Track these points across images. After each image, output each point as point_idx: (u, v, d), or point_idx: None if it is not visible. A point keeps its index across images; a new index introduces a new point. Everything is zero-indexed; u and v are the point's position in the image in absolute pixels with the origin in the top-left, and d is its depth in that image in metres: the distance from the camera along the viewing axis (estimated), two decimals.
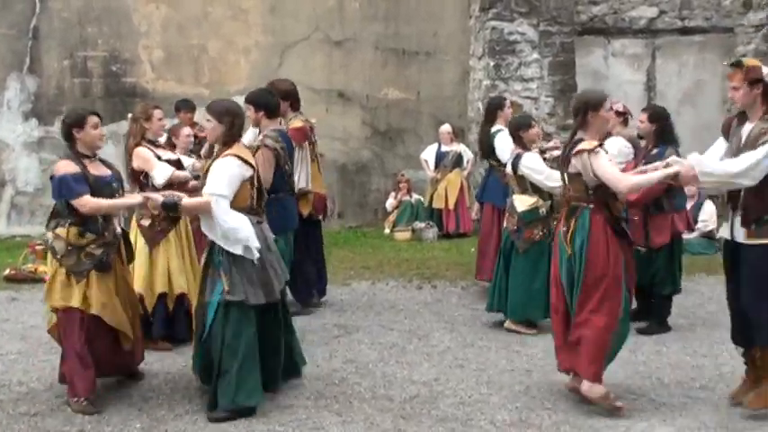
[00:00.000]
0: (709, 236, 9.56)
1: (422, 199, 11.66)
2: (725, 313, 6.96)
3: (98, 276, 4.88)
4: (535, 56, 11.01)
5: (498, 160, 7.33)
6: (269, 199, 6.03)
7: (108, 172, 5.03)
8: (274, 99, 6.31)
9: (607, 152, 4.69)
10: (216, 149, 4.95)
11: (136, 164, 6.04)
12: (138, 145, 6.08)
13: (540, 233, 6.45)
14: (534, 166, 6.32)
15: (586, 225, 4.62)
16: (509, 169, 6.60)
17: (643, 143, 6.82)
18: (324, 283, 7.59)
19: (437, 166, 11.31)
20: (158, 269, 6.02)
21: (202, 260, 4.98)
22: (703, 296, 7.67)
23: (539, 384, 5.35)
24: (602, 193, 4.62)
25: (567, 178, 4.79)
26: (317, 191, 7.15)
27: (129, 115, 6.38)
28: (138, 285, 5.91)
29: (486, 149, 7.68)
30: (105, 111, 11.56)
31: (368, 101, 12.16)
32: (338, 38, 12.04)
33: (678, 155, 6.30)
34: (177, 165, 6.24)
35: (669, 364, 5.72)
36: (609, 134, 7.38)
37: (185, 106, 8.92)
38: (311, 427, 4.67)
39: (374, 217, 12.23)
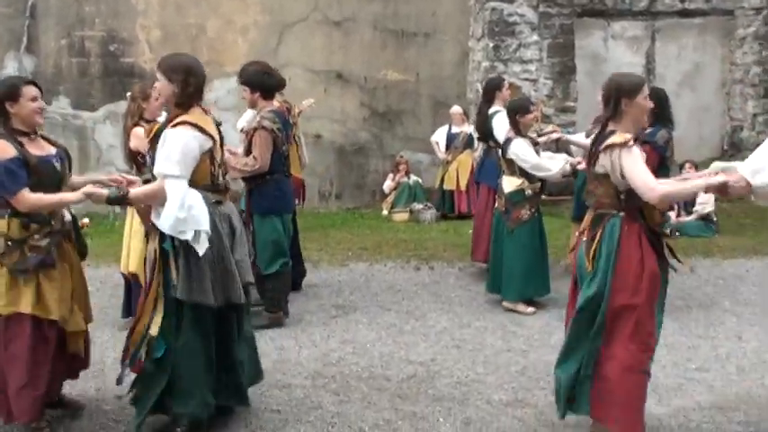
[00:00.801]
0: (706, 218, 9.57)
1: (420, 181, 11.65)
2: (721, 295, 7.03)
3: (48, 273, 4.13)
4: (534, 37, 10.97)
5: (496, 141, 7.33)
6: (265, 180, 6.05)
7: (52, 150, 4.29)
8: (270, 79, 6.25)
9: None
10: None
11: (133, 143, 6.02)
12: (136, 125, 6.05)
13: (528, 212, 6.56)
14: (521, 153, 6.40)
15: (615, 236, 3.88)
16: (499, 151, 6.70)
17: None
18: (302, 268, 7.46)
19: (448, 147, 11.26)
20: None
21: (151, 246, 4.15)
22: (700, 278, 7.69)
23: (535, 364, 5.38)
24: (636, 199, 3.84)
25: (593, 178, 4.04)
26: (294, 174, 6.90)
27: (128, 94, 6.37)
28: (133, 265, 5.93)
29: (485, 131, 7.67)
30: (103, 90, 11.62)
31: (366, 82, 12.13)
32: (337, 18, 11.99)
33: (671, 137, 6.28)
34: None
35: (665, 345, 5.73)
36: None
37: None
38: (309, 406, 4.70)
39: (372, 198, 12.23)
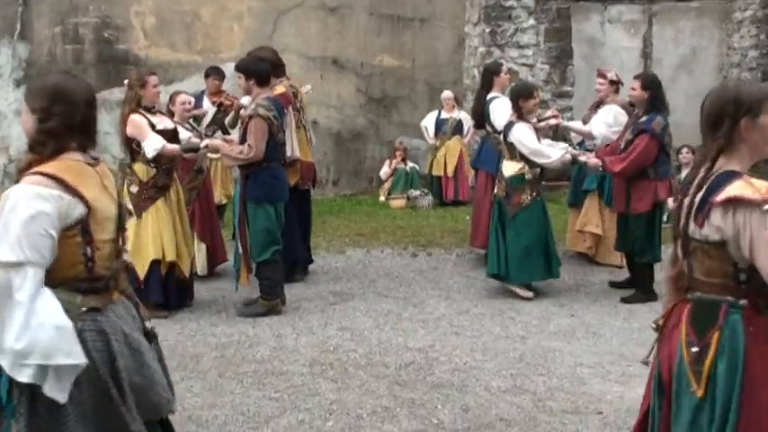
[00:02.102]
0: None
1: (417, 167, 11.62)
2: None
3: None
4: (531, 22, 10.92)
5: (494, 127, 7.30)
6: (261, 168, 5.99)
7: None
8: (265, 66, 6.22)
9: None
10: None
11: (129, 130, 6.01)
12: (132, 112, 6.03)
13: (529, 197, 6.48)
14: (522, 138, 6.37)
15: (740, 345, 2.48)
16: (501, 136, 6.64)
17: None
18: (309, 253, 7.45)
19: (437, 133, 11.23)
20: (145, 237, 5.98)
21: None
22: None
23: (533, 351, 5.37)
24: (760, 281, 2.45)
25: (692, 245, 2.59)
26: (304, 159, 7.06)
27: (125, 81, 6.32)
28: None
29: (479, 117, 7.63)
30: (98, 77, 11.52)
31: (362, 68, 12.07)
32: (332, 4, 11.91)
33: (667, 123, 6.24)
34: (173, 134, 6.20)
35: None
36: (602, 102, 7.37)
37: (215, 73, 8.81)
38: (307, 393, 4.69)
39: (369, 185, 12.19)
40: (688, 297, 2.64)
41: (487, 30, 10.92)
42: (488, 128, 7.47)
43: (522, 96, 6.49)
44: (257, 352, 5.38)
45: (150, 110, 6.15)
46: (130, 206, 5.95)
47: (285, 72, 7.01)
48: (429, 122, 11.33)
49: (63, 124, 2.60)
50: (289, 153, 6.76)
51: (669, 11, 11.68)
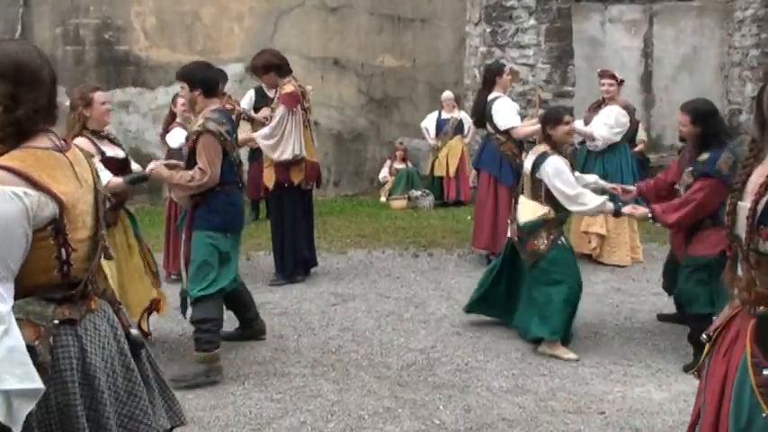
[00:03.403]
0: None
1: (417, 169, 11.62)
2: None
3: None
4: (532, 22, 10.91)
5: (496, 127, 7.29)
6: (214, 192, 4.95)
7: None
8: (212, 73, 5.23)
9: None
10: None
11: None
12: (77, 137, 4.87)
13: (546, 242, 5.28)
14: (559, 180, 5.19)
15: None
16: (527, 166, 5.44)
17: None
18: (313, 254, 7.36)
19: (437, 133, 11.23)
20: None
21: None
22: None
23: (535, 351, 5.36)
24: None
25: (753, 255, 2.32)
26: (310, 158, 6.98)
27: (66, 103, 5.08)
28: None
29: (480, 117, 7.61)
30: (98, 79, 11.52)
31: (363, 68, 12.07)
32: (333, 4, 11.91)
33: (737, 157, 4.77)
34: (123, 164, 5.21)
35: (665, 331, 5.74)
36: (603, 102, 7.37)
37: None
38: (308, 394, 4.69)
39: (370, 185, 12.19)
40: (751, 312, 2.34)
41: (488, 30, 10.92)
42: (490, 128, 7.46)
43: (548, 123, 5.39)
44: (258, 353, 5.37)
45: (98, 134, 5.09)
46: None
47: (291, 71, 6.96)
48: (429, 124, 11.34)
49: (32, 109, 2.20)
50: (297, 151, 6.74)
51: (670, 10, 11.67)
